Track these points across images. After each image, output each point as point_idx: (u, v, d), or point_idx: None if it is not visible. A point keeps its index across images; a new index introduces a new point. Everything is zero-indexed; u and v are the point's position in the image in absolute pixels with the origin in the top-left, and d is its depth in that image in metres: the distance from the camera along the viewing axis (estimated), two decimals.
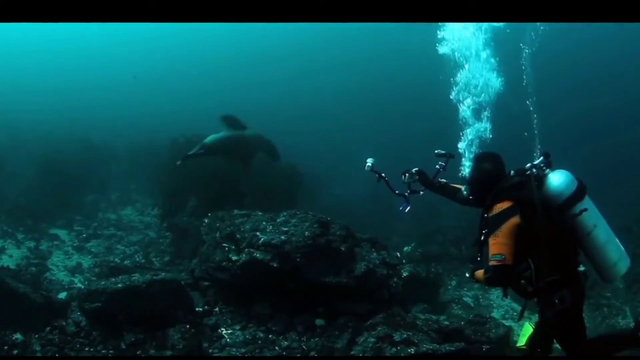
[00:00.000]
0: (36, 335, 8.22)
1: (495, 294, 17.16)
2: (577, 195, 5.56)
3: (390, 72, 55.92)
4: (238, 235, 9.45)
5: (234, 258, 9.25)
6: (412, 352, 7.60)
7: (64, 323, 8.55)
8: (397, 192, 6.70)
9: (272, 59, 63.67)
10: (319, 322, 9.15)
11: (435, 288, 12.95)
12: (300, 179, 17.76)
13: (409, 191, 6.75)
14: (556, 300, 5.40)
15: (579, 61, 51.64)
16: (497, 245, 5.33)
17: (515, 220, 5.35)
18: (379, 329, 8.03)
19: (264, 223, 9.65)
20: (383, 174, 6.76)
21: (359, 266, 9.73)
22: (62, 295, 10.34)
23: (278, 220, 9.80)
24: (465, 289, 17.00)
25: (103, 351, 7.85)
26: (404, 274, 10.78)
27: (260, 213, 10.11)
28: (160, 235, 16.57)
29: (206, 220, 10.47)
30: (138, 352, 7.90)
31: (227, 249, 9.47)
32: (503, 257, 5.29)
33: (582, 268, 5.57)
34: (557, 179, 5.59)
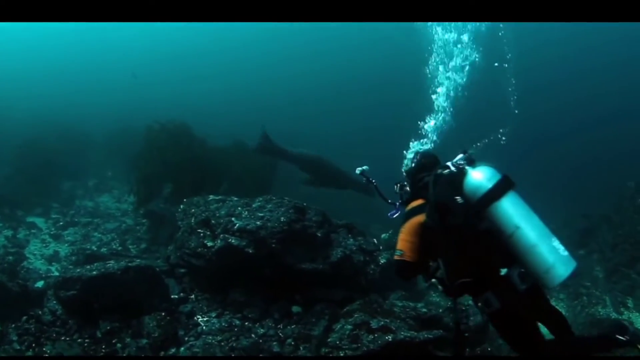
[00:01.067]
0: (13, 325, 8.13)
1: None
2: (494, 192, 5.37)
3: (371, 59, 56.09)
4: (213, 221, 9.34)
5: (209, 244, 9.14)
6: (390, 340, 7.54)
7: (40, 312, 8.48)
8: (389, 201, 6.53)
9: (249, 45, 63.75)
10: (295, 309, 9.07)
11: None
12: (275, 165, 17.77)
13: (400, 201, 6.48)
14: (480, 304, 5.36)
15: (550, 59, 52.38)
16: (400, 241, 5.57)
17: (419, 218, 5.53)
18: (355, 316, 7.96)
19: (239, 208, 9.55)
20: (374, 181, 6.68)
21: (335, 252, 9.67)
22: (40, 284, 10.23)
23: (254, 205, 9.69)
24: None
25: (79, 340, 7.78)
26: (382, 261, 10.75)
27: (235, 199, 10.02)
28: (136, 222, 16.54)
29: (181, 206, 10.36)
30: (114, 341, 7.79)
31: (202, 234, 9.36)
32: (402, 252, 5.51)
33: (504, 271, 5.30)
34: (474, 176, 5.44)
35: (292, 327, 8.72)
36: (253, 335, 8.44)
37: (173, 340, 8.03)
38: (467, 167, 5.54)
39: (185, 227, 9.83)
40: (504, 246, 5.23)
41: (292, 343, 8.30)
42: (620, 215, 18.68)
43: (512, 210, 5.24)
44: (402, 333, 7.69)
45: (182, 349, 7.71)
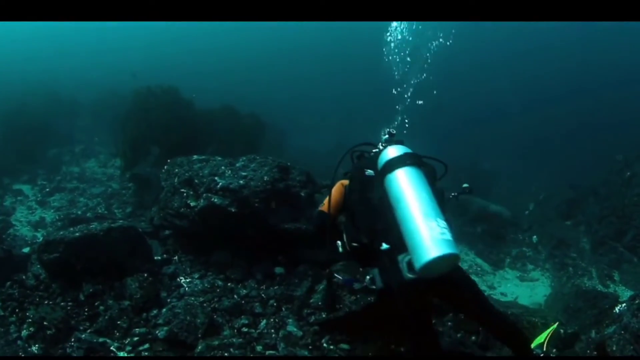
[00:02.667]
0: None
1: (459, 248, 17.18)
2: (390, 163, 5.56)
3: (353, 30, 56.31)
4: (196, 181, 9.24)
5: (192, 204, 9.06)
6: (371, 300, 7.54)
7: (23, 277, 8.39)
8: None
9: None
10: (278, 270, 9.01)
11: None
12: (262, 128, 17.79)
13: None
14: (368, 278, 5.62)
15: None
16: (326, 198, 6.26)
17: (344, 181, 6.31)
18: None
19: (222, 168, 9.43)
20: None
21: None
22: (26, 250, 10.18)
23: (237, 165, 9.59)
24: None
25: (62, 303, 7.68)
26: None
27: (219, 158, 9.90)
28: (122, 186, 16.53)
29: (165, 167, 10.25)
30: (96, 303, 7.71)
31: (185, 194, 9.28)
32: (323, 204, 6.27)
33: (385, 246, 5.46)
34: (387, 152, 5.70)
35: (275, 288, 8.67)
36: (235, 296, 8.40)
37: (155, 301, 7.94)
38: (388, 146, 5.84)
39: (168, 187, 9.74)
40: (391, 221, 5.33)
41: (275, 304, 8.26)
42: (607, 188, 18.69)
43: (402, 183, 5.37)
44: None
45: (164, 310, 7.62)
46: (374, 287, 5.60)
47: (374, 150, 6.20)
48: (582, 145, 31.61)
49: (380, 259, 5.52)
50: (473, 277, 13.87)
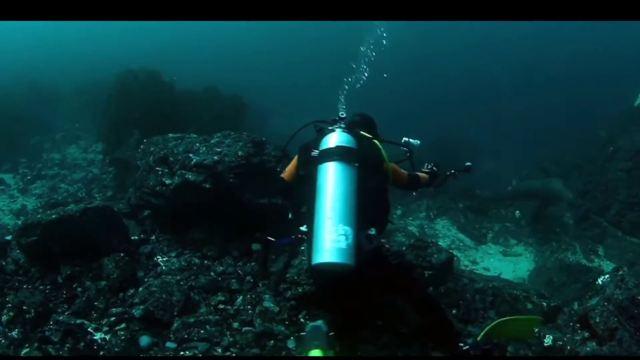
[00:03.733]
0: None
1: (441, 223, 17.24)
2: (322, 154, 5.76)
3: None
4: (171, 158, 9.14)
5: (167, 182, 8.96)
6: None
7: (3, 262, 8.31)
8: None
9: None
10: (255, 246, 8.93)
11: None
12: (243, 109, 17.82)
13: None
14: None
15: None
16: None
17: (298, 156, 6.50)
18: None
19: (197, 144, 9.34)
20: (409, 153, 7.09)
21: None
22: (8, 238, 10.10)
23: (212, 141, 9.50)
24: (410, 218, 17.21)
25: (41, 287, 7.60)
26: None
27: (194, 135, 9.81)
28: (103, 171, 16.58)
29: (141, 146, 10.15)
30: (74, 285, 7.64)
31: (160, 172, 9.17)
32: (283, 171, 6.68)
33: (304, 229, 5.69)
34: (327, 139, 5.86)
35: (252, 264, 8.62)
36: (212, 274, 8.34)
37: (132, 281, 7.90)
38: (336, 129, 6.02)
39: (144, 166, 9.64)
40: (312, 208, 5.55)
41: (251, 280, 8.20)
42: (591, 163, 18.77)
43: (323, 179, 5.56)
44: None
45: (141, 289, 7.56)
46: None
47: (329, 128, 6.20)
48: (566, 122, 31.64)
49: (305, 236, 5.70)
50: (456, 253, 13.98)
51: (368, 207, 5.64)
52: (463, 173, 7.40)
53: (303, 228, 5.68)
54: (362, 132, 6.34)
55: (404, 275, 6.52)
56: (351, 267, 5.25)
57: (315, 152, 5.84)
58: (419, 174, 6.98)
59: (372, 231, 5.68)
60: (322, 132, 6.14)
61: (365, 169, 5.72)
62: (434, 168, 7.20)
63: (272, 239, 6.12)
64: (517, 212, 18.96)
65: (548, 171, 20.18)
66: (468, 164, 7.30)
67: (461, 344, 6.17)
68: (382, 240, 6.36)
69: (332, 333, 5.94)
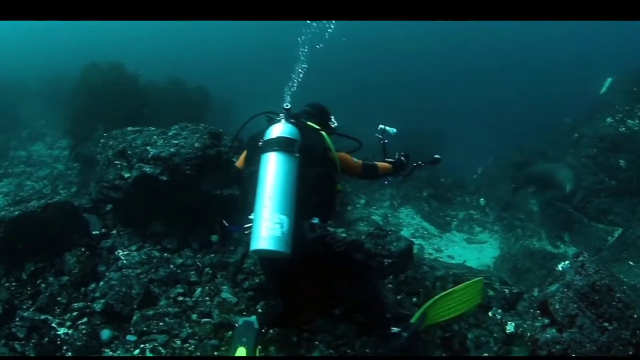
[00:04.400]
0: None
1: (405, 212, 17.29)
2: (265, 144, 5.81)
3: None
4: (130, 152, 9.13)
5: (126, 175, 8.96)
6: None
7: None
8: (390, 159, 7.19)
9: None
10: (214, 238, 8.91)
11: (343, 206, 12.90)
12: (207, 101, 17.83)
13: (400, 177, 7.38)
14: None
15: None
16: None
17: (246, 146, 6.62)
18: None
19: (155, 137, 9.33)
20: (386, 141, 7.22)
21: None
22: None
23: (169, 133, 9.50)
24: (374, 207, 17.21)
25: (6, 284, 7.59)
26: None
27: (152, 128, 9.79)
28: (68, 167, 16.49)
29: (101, 140, 10.15)
30: (38, 281, 7.66)
31: (119, 166, 9.17)
32: (237, 160, 6.86)
33: (251, 216, 5.63)
34: (270, 130, 5.90)
35: (211, 256, 8.66)
36: (171, 266, 8.38)
37: (93, 275, 7.93)
38: (275, 124, 5.97)
39: (103, 160, 9.62)
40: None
41: (210, 272, 8.26)
42: (556, 150, 18.87)
43: (264, 168, 5.63)
44: None
45: (101, 283, 7.59)
46: None
47: (277, 118, 6.21)
48: (532, 110, 31.85)
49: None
50: (420, 241, 14.03)
51: (311, 197, 5.76)
52: (430, 165, 7.44)
53: (251, 217, 5.65)
54: (308, 123, 6.36)
55: (348, 261, 6.60)
56: (286, 254, 5.35)
57: (260, 142, 5.89)
58: (379, 163, 7.00)
59: (315, 220, 5.75)
60: (270, 123, 6.13)
61: (308, 159, 5.81)
62: (402, 158, 7.21)
63: (225, 224, 6.13)
64: (482, 199, 19.08)
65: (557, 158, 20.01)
66: (437, 156, 7.35)
67: (393, 328, 6.23)
68: (329, 229, 6.41)
69: (264, 329, 6.02)
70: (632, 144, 16.64)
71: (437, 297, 6.84)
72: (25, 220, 8.03)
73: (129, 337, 6.90)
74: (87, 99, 15.81)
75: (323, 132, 6.26)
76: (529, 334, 6.40)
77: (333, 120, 7.05)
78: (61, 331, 6.88)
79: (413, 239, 14.55)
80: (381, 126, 7.20)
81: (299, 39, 8.00)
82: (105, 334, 6.90)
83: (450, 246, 15.62)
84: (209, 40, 60.64)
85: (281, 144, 5.64)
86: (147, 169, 8.75)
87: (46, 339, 6.59)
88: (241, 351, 5.63)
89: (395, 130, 7.18)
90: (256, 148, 5.95)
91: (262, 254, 5.45)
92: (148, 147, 9.01)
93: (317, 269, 6.23)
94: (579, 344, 5.79)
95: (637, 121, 17.29)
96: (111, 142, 9.71)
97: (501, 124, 31.26)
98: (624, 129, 17.34)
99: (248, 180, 5.97)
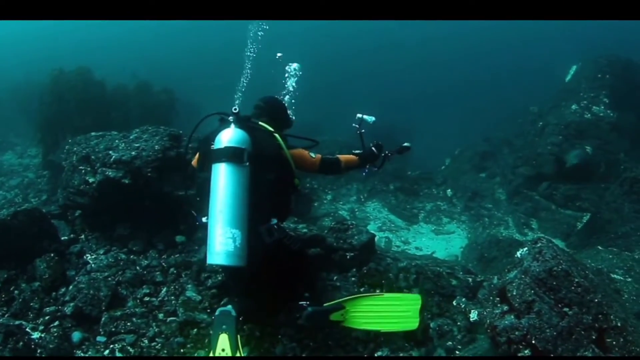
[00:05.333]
0: None
1: (372, 206, 17.36)
2: (214, 154, 5.84)
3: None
4: (93, 157, 9.26)
5: (90, 180, 9.09)
6: None
7: None
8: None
9: None
10: (179, 238, 9.15)
11: (309, 202, 13.00)
12: (174, 103, 17.89)
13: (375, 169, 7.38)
14: None
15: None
16: None
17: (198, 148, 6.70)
18: None
19: (116, 141, 9.50)
20: (363, 131, 7.27)
21: None
22: None
23: (131, 137, 9.66)
24: (341, 202, 17.23)
25: None
26: None
27: (115, 133, 9.94)
28: (38, 175, 16.49)
29: (66, 147, 10.27)
30: (12, 288, 7.76)
31: (83, 171, 9.29)
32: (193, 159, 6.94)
33: (204, 219, 5.89)
34: (220, 137, 5.88)
35: (176, 256, 8.81)
36: (137, 268, 8.52)
37: (63, 280, 8.06)
38: (224, 129, 5.95)
39: (68, 166, 9.75)
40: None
41: (175, 271, 8.39)
42: (521, 138, 19.04)
43: (215, 180, 5.69)
44: None
45: (71, 287, 7.72)
46: None
47: (228, 119, 6.19)
48: (499, 99, 32.02)
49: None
50: (387, 234, 14.13)
51: (265, 202, 5.90)
52: (399, 154, 7.48)
53: (204, 219, 5.86)
54: (260, 124, 6.37)
55: (300, 257, 6.96)
56: (242, 267, 5.54)
57: (212, 147, 5.94)
58: (344, 156, 7.02)
59: (274, 221, 5.94)
60: (221, 125, 6.17)
61: (259, 165, 5.84)
62: (374, 148, 7.23)
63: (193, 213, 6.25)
64: (449, 190, 19.20)
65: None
66: (406, 144, 7.38)
67: (297, 314, 6.39)
68: (286, 230, 6.42)
69: (241, 318, 6.16)
70: (598, 130, 16.85)
71: (360, 295, 6.99)
72: None
73: (99, 338, 7.03)
74: (56, 107, 15.85)
75: (276, 134, 6.27)
76: (488, 321, 6.41)
77: (290, 113, 7.14)
78: (35, 335, 6.99)
79: (380, 232, 14.70)
80: (359, 115, 7.22)
81: (249, 41, 8.13)
82: (76, 336, 7.02)
83: (417, 238, 15.66)
84: (174, 41, 60.57)
85: (229, 155, 5.67)
86: (110, 173, 8.90)
87: (21, 344, 6.66)
88: (224, 338, 5.75)
89: (374, 118, 7.21)
90: (208, 152, 5.99)
91: (219, 267, 5.91)
92: (110, 152, 9.16)
93: (275, 269, 6.40)
94: (538, 329, 5.86)
95: (602, 107, 17.46)
96: (75, 148, 9.81)
97: (469, 115, 31.44)
98: (589, 115, 17.51)
99: (202, 186, 6.06)
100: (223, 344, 5.72)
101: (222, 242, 5.42)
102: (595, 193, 15.23)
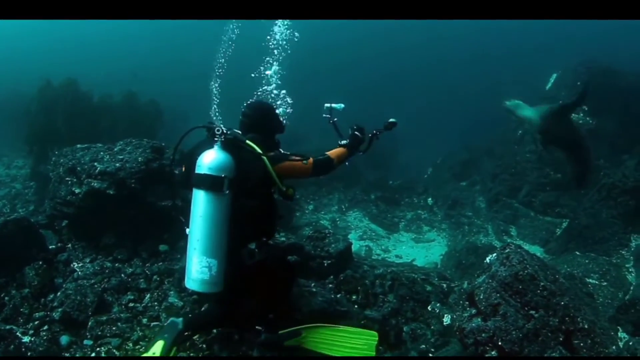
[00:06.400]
0: None
1: (353, 215, 17.54)
2: (194, 178, 5.81)
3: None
4: (79, 168, 9.54)
5: (76, 191, 9.35)
6: None
7: None
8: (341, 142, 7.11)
9: None
10: (162, 247, 9.45)
11: (291, 212, 13.19)
12: (160, 115, 18.02)
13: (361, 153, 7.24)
14: None
15: None
16: None
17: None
18: None
19: (101, 153, 9.80)
20: (335, 119, 7.27)
21: None
22: None
23: (115, 149, 9.95)
24: (322, 212, 17.34)
25: None
26: None
27: (100, 145, 10.19)
28: (25, 185, 16.57)
29: (53, 158, 10.52)
30: (2, 294, 8.04)
31: (69, 182, 9.55)
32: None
33: (187, 231, 5.94)
34: (201, 159, 5.80)
35: (159, 264, 9.09)
36: (122, 275, 8.77)
37: (51, 287, 8.32)
38: (215, 145, 5.85)
39: (55, 177, 10.01)
40: None
41: (158, 279, 8.66)
42: (502, 146, 19.21)
43: (193, 207, 5.78)
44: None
45: (59, 293, 7.97)
46: None
47: (214, 139, 5.96)
48: (479, 108, 32.17)
49: None
50: (367, 243, 14.34)
51: (247, 226, 5.97)
52: (388, 130, 7.33)
53: (187, 231, 5.92)
54: (248, 142, 6.02)
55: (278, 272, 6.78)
56: (217, 293, 5.78)
57: (195, 163, 5.83)
58: (332, 151, 6.86)
59: (253, 245, 6.11)
60: (206, 141, 6.09)
61: (241, 191, 5.84)
62: (357, 133, 7.09)
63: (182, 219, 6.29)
64: (430, 199, 19.39)
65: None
66: (392, 119, 7.23)
67: (258, 326, 6.68)
68: (268, 250, 6.38)
69: (187, 333, 6.39)
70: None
71: (320, 325, 7.10)
72: None
73: (86, 342, 7.32)
74: (43, 118, 15.97)
75: (263, 156, 5.99)
76: (457, 324, 6.67)
77: (281, 117, 7.02)
78: (25, 339, 7.27)
79: (361, 241, 14.92)
80: (327, 105, 7.25)
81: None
82: (64, 339, 7.30)
83: (398, 246, 15.84)
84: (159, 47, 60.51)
85: (209, 184, 5.63)
86: (95, 184, 9.21)
87: (12, 347, 6.96)
88: (158, 344, 5.96)
89: (342, 105, 7.23)
90: (192, 169, 5.90)
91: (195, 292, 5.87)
92: (95, 163, 9.46)
93: (255, 285, 6.51)
94: (504, 331, 6.13)
95: (581, 115, 17.51)
96: (62, 160, 10.06)
97: (451, 124, 31.61)
98: None
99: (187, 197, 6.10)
100: (156, 349, 5.93)
101: (197, 270, 5.62)
102: (575, 199, 15.48)
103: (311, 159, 6.46)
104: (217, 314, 6.71)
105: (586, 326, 6.15)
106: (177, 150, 6.51)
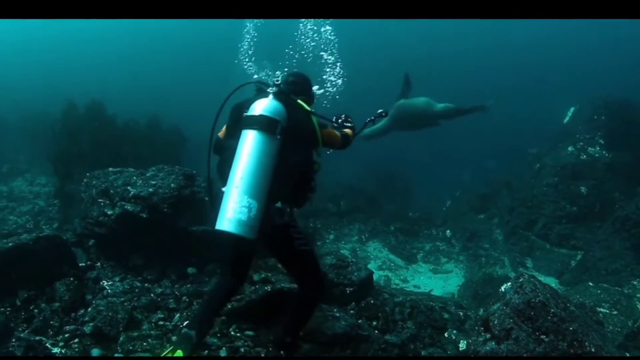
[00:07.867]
0: None
1: (373, 246, 17.67)
2: (246, 119, 5.78)
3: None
4: (112, 191, 9.86)
5: (109, 212, 9.64)
6: (269, 290, 8.21)
7: None
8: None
9: None
10: (191, 270, 9.67)
11: (312, 242, 13.36)
12: (183, 143, 18.20)
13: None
14: None
15: None
16: None
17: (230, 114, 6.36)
18: None
19: (134, 178, 10.11)
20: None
21: None
22: None
23: (147, 174, 10.26)
24: (342, 242, 17.45)
25: (1, 309, 8.08)
26: None
27: (132, 169, 10.50)
28: (48, 203, 16.72)
29: (85, 180, 10.74)
30: (31, 307, 8.20)
31: (102, 204, 9.85)
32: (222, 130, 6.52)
33: (223, 189, 5.63)
34: (254, 105, 5.81)
35: (188, 286, 9.28)
36: (152, 295, 8.97)
37: (81, 302, 8.52)
38: (260, 98, 5.87)
39: (87, 198, 10.31)
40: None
41: (187, 300, 8.83)
42: (520, 180, 19.27)
43: (242, 146, 5.57)
44: (282, 284, 8.33)
45: (90, 309, 8.17)
46: None
47: (267, 90, 6.03)
48: (499, 141, 32.23)
49: None
50: (386, 273, 14.51)
51: (286, 182, 5.73)
52: (379, 117, 7.48)
53: (223, 189, 5.60)
54: (298, 101, 6.15)
55: (304, 262, 6.37)
56: (250, 240, 5.39)
57: (244, 114, 5.81)
58: (345, 131, 6.89)
59: (282, 204, 5.74)
60: (258, 94, 6.06)
61: (291, 142, 5.75)
62: (349, 120, 7.13)
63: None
64: (448, 231, 19.52)
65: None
66: (380, 110, 7.34)
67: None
68: (296, 221, 6.16)
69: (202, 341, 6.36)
70: (593, 170, 17.22)
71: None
72: (18, 251, 8.56)
73: (117, 355, 7.42)
74: (68, 140, 16.11)
75: (313, 116, 6.16)
76: (472, 348, 6.88)
77: (314, 90, 7.06)
78: (55, 350, 7.46)
79: (380, 271, 15.11)
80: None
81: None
82: (95, 352, 7.43)
83: (416, 277, 16.04)
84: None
85: (262, 124, 5.54)
86: (129, 207, 9.52)
87: (42, 356, 7.17)
88: (179, 353, 5.63)
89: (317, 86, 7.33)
90: (239, 119, 5.89)
91: (226, 235, 5.34)
92: (129, 187, 9.80)
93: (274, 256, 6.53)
94: (515, 354, 6.33)
95: (597, 148, 17.76)
96: (94, 182, 10.33)
97: (472, 158, 31.67)
98: (585, 156, 17.82)
99: (227, 151, 5.93)
100: (178, 354, 5.64)
101: (236, 209, 5.24)
102: (590, 232, 15.60)
103: (339, 133, 6.67)
104: (221, 290, 6.46)
105: (593, 349, 6.31)
106: (221, 110, 6.22)
